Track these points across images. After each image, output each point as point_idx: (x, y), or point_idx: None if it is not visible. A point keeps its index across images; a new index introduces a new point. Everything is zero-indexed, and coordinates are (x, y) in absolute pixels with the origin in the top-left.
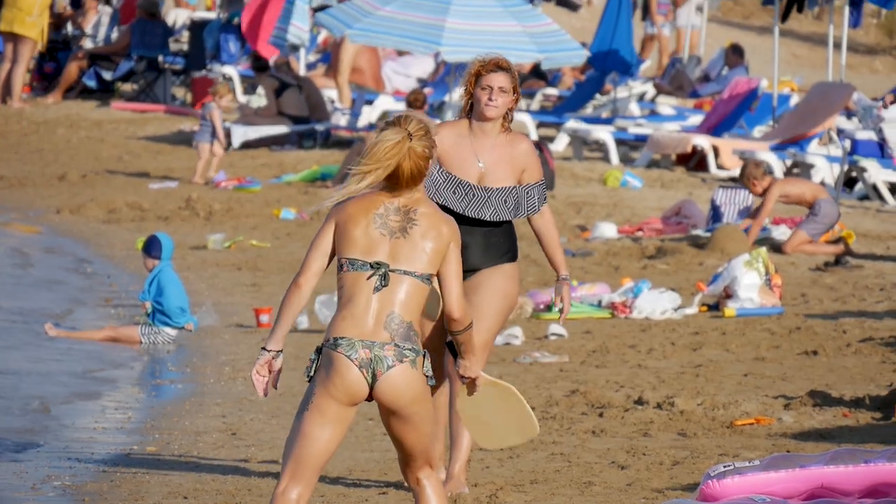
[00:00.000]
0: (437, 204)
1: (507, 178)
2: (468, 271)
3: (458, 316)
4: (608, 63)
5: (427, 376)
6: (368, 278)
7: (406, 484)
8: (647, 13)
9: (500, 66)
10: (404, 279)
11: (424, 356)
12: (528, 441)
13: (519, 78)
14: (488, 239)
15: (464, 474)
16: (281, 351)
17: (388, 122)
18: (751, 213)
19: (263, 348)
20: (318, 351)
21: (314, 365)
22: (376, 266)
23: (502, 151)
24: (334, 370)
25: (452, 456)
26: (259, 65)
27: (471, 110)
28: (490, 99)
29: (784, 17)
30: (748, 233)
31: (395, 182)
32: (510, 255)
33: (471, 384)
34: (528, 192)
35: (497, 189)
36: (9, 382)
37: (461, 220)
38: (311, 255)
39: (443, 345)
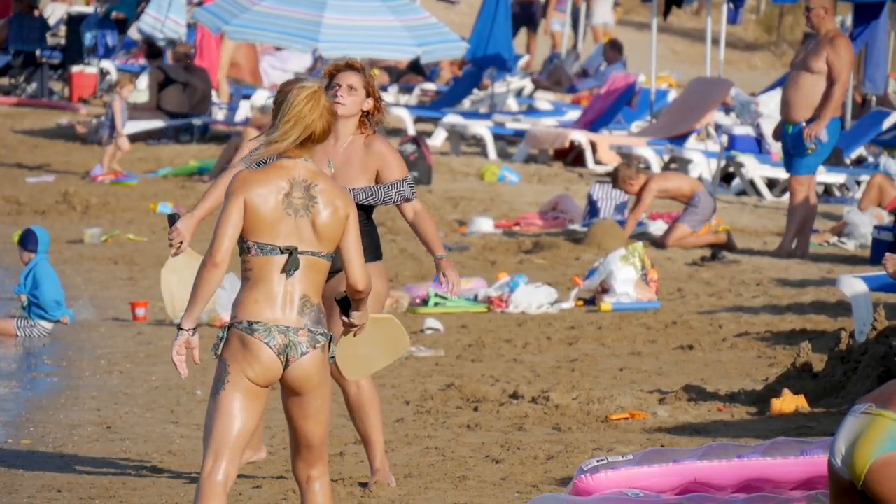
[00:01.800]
0: None
1: (360, 180)
2: (333, 272)
3: (362, 288)
4: (486, 58)
5: (331, 358)
6: (283, 269)
7: (295, 479)
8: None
9: (351, 66)
10: (312, 260)
11: (330, 340)
12: (401, 357)
13: (397, 73)
14: None
15: (386, 464)
16: (196, 328)
17: (285, 84)
18: (630, 209)
19: (179, 327)
20: (226, 329)
21: (222, 343)
22: (287, 251)
23: (353, 153)
24: (252, 355)
25: (371, 451)
26: (152, 51)
27: None
28: (337, 95)
29: (666, 13)
30: (624, 227)
31: (306, 142)
32: (374, 254)
33: (360, 329)
34: (385, 191)
35: (352, 190)
36: None
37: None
38: (224, 232)
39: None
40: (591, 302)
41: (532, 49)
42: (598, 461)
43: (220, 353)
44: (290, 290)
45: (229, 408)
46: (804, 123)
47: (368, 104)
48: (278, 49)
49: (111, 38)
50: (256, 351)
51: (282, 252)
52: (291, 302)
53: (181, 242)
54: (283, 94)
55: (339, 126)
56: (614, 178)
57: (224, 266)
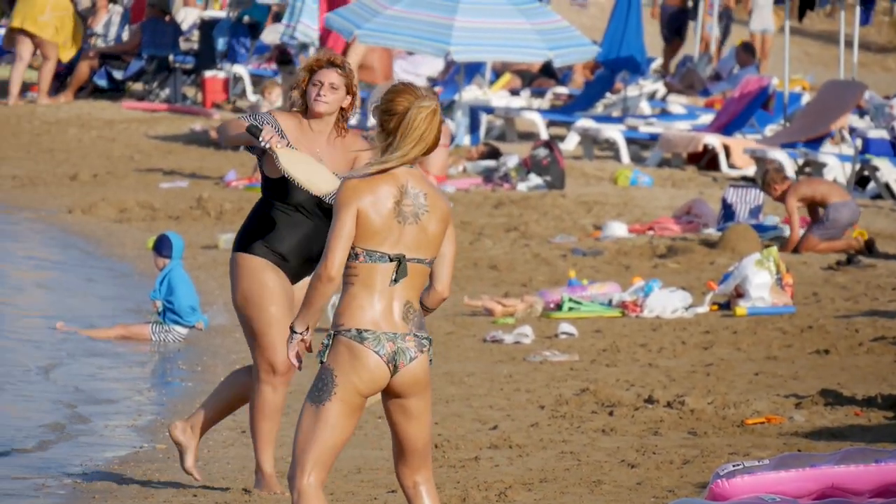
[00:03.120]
0: (290, 196)
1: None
2: (308, 267)
3: (448, 295)
4: (618, 61)
5: (430, 361)
6: (394, 278)
7: (401, 486)
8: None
9: (333, 62)
10: (417, 267)
11: (431, 343)
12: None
13: (529, 77)
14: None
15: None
16: (308, 329)
17: (394, 94)
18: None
19: (293, 330)
20: (331, 336)
21: (327, 350)
22: (396, 258)
23: (336, 150)
24: (362, 365)
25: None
26: (283, 58)
27: (306, 108)
28: (319, 93)
29: (801, 16)
30: (760, 231)
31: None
32: None
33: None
34: None
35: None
36: (20, 380)
37: (320, 210)
38: (339, 245)
39: None
40: (725, 306)
41: (680, 54)
42: (734, 466)
43: (325, 360)
44: (395, 296)
45: (334, 419)
46: None
47: (346, 101)
48: (410, 53)
49: (244, 43)
50: (366, 360)
51: (391, 260)
52: (397, 308)
53: (272, 136)
54: (392, 103)
55: (320, 124)
56: (762, 181)
57: (339, 279)
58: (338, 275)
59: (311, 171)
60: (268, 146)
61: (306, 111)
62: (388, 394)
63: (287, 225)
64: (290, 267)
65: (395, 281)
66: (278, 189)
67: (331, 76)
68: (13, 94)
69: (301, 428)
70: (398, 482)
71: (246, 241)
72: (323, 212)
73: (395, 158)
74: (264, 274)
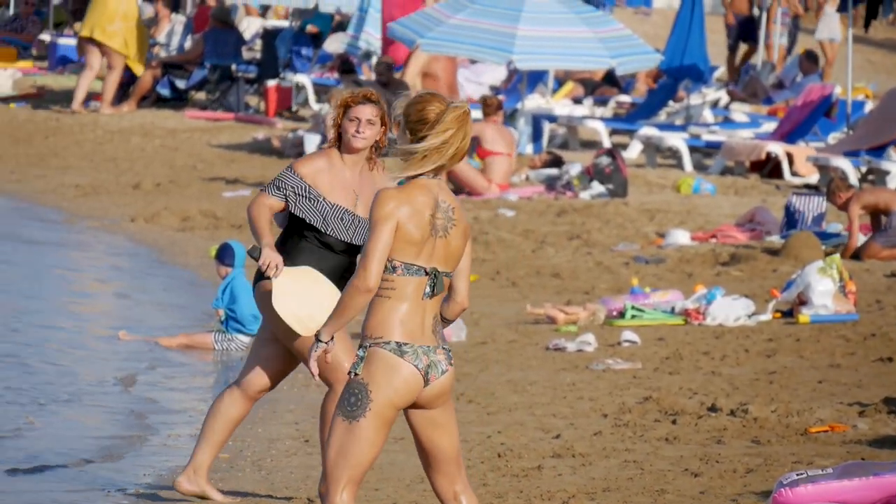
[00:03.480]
0: (321, 235)
1: None
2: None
3: (467, 306)
4: (681, 69)
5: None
6: (432, 292)
7: (440, 500)
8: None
9: (368, 98)
10: (444, 280)
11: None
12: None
13: (592, 85)
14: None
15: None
16: (332, 339)
17: (424, 98)
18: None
19: (318, 339)
20: (366, 348)
21: (361, 363)
22: (432, 272)
23: (368, 182)
24: (399, 377)
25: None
26: (346, 67)
27: (339, 140)
28: (357, 131)
29: (866, 24)
30: (823, 240)
31: (445, 162)
32: None
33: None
34: None
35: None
36: (87, 391)
37: (346, 249)
38: (378, 256)
39: None
40: (788, 314)
41: (750, 62)
42: (797, 475)
43: (359, 372)
44: (427, 309)
45: (369, 435)
46: None
47: (380, 134)
48: (472, 62)
49: (306, 53)
50: (404, 373)
51: (426, 273)
52: (429, 321)
53: (276, 265)
54: (424, 112)
55: (355, 157)
56: (827, 190)
57: (375, 291)
58: (375, 286)
59: (305, 298)
60: (265, 271)
61: (340, 145)
62: (415, 406)
63: (314, 259)
64: None
65: (432, 294)
66: (306, 227)
67: (367, 112)
68: (77, 102)
69: (333, 443)
70: (438, 497)
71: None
72: (350, 250)
73: (432, 162)
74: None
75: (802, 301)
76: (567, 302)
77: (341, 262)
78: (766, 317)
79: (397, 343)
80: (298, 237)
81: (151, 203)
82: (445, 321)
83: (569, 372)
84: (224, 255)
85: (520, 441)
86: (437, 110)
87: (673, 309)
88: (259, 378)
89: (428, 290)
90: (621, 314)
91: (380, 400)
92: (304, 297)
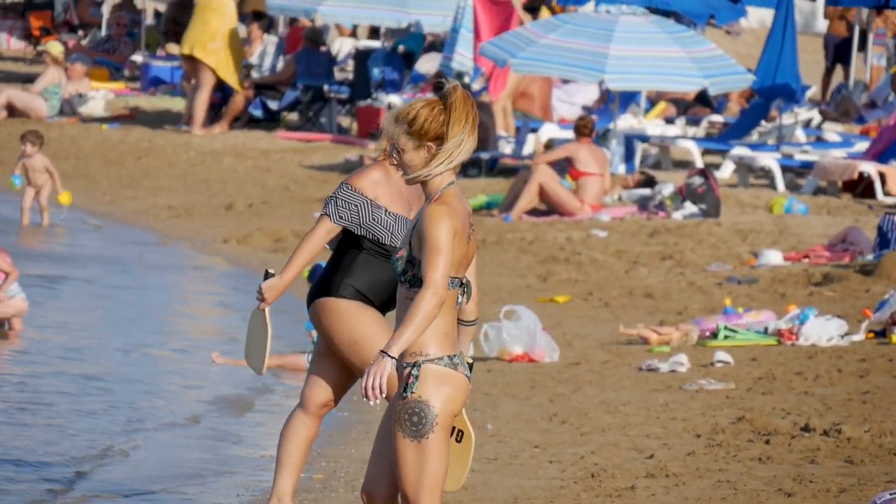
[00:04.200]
0: (381, 246)
1: None
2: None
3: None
4: (774, 89)
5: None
6: (465, 301)
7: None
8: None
9: None
10: (471, 286)
11: None
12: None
13: (684, 105)
14: None
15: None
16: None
17: (419, 103)
18: None
19: (386, 353)
20: (418, 366)
21: (416, 382)
22: (466, 283)
23: (414, 192)
24: (457, 389)
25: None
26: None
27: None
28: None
29: None
30: None
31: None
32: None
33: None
34: None
35: None
36: (176, 412)
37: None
38: (448, 264)
39: None
40: (882, 334)
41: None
42: (891, 494)
43: (414, 391)
44: (455, 318)
45: (439, 450)
46: None
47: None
48: (565, 82)
49: (398, 73)
50: (461, 384)
51: (461, 284)
52: (456, 329)
53: (265, 304)
54: (432, 111)
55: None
56: None
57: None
58: (445, 296)
59: (254, 343)
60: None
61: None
62: None
63: (373, 270)
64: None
65: (465, 302)
66: (365, 238)
67: None
68: (197, 124)
69: (405, 467)
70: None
71: (333, 287)
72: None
73: (462, 150)
74: (364, 313)
75: (895, 321)
76: (660, 322)
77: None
78: (859, 337)
79: (449, 357)
80: (356, 249)
81: (244, 224)
82: (469, 323)
83: (662, 392)
84: (316, 276)
85: (613, 461)
86: (439, 105)
87: (766, 329)
88: (321, 394)
89: (461, 299)
90: (714, 335)
91: (443, 413)
92: (255, 336)
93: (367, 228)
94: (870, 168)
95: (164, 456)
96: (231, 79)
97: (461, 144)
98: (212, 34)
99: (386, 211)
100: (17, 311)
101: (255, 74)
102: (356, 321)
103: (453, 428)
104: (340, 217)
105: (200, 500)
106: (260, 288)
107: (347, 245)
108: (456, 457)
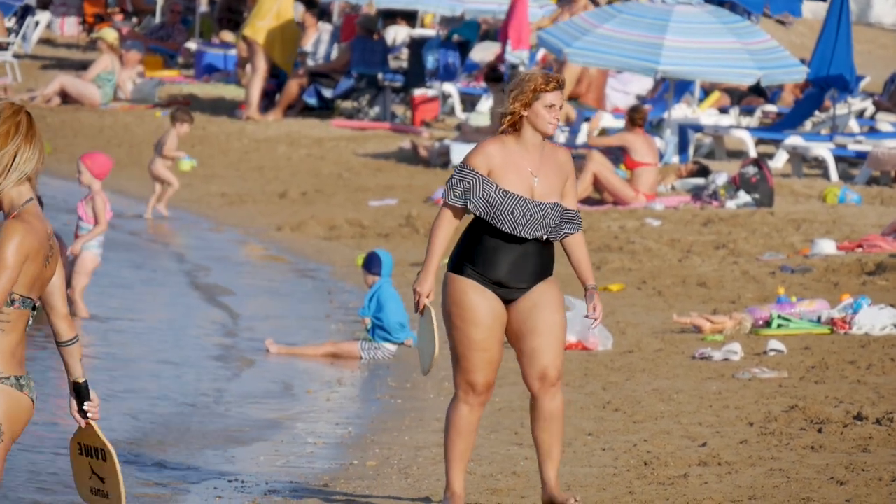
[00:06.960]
0: (488, 227)
1: (556, 191)
2: (521, 288)
3: None
4: (828, 79)
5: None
6: None
7: None
8: None
9: (560, 83)
10: None
11: None
12: None
13: (738, 95)
14: (543, 255)
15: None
16: None
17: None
18: None
19: None
20: None
21: None
22: (36, 306)
23: (550, 162)
24: (24, 413)
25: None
26: (494, 75)
27: (513, 125)
28: (555, 116)
29: None
30: None
31: None
32: (553, 267)
33: None
34: (568, 212)
35: (549, 204)
36: (231, 398)
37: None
38: (10, 281)
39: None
40: None
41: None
42: None
43: None
44: None
45: None
46: None
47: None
48: (619, 71)
49: (453, 61)
50: (25, 406)
51: (34, 307)
52: None
53: (424, 300)
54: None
55: (537, 140)
56: None
57: None
58: None
59: (424, 342)
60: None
61: (516, 129)
62: None
63: (498, 249)
64: (503, 291)
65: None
66: (487, 223)
67: (559, 98)
68: (252, 107)
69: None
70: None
71: (457, 262)
72: (536, 240)
73: (21, 163)
74: (469, 296)
75: None
76: (713, 311)
77: (525, 250)
78: None
79: (16, 377)
80: (481, 231)
81: (298, 212)
82: (67, 342)
83: (715, 381)
84: (371, 263)
85: (666, 449)
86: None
87: (819, 318)
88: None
89: (31, 321)
90: (767, 323)
91: (8, 432)
92: (432, 333)
93: (475, 206)
94: None
95: (216, 441)
96: (279, 58)
97: (16, 157)
98: (264, 12)
99: (496, 188)
100: (93, 264)
101: (309, 62)
102: (457, 301)
103: (93, 448)
104: (454, 195)
105: (252, 480)
106: (416, 292)
107: (473, 227)
108: (107, 476)
